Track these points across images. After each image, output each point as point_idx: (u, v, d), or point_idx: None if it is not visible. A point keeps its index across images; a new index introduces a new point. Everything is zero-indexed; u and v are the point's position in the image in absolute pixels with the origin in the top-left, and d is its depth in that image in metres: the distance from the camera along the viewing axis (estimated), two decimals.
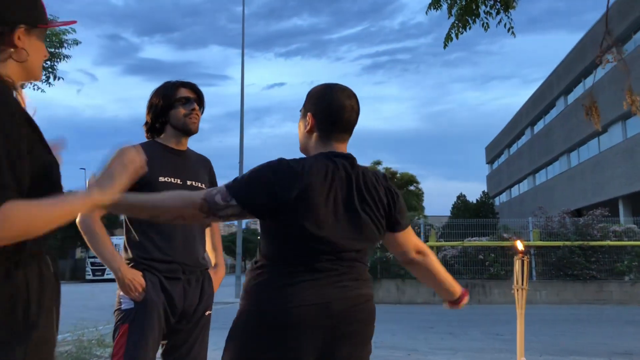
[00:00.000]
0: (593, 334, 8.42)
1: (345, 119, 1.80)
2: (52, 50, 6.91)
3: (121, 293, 2.32)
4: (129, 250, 2.41)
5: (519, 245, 3.52)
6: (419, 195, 45.20)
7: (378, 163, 44.28)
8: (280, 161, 1.71)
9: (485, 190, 33.69)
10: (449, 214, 31.66)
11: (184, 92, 2.52)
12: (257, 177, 1.69)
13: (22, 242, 1.29)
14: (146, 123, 2.57)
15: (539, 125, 33.48)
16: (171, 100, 2.49)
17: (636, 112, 5.26)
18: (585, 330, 8.95)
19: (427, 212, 37.60)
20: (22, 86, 1.52)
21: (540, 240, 15.00)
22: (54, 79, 6.94)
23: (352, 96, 1.83)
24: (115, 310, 2.36)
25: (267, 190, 1.65)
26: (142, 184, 2.40)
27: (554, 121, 30.34)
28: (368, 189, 1.77)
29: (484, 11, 5.30)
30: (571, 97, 28.10)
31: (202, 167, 2.64)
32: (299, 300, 1.64)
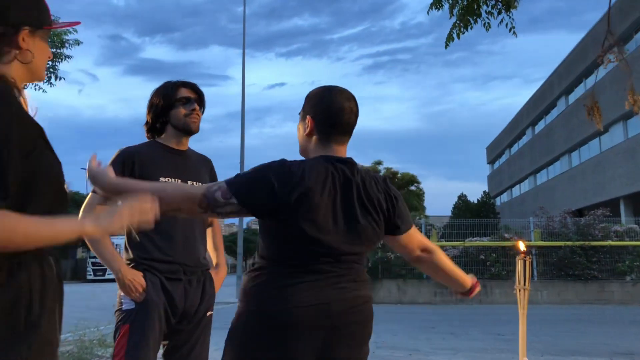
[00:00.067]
0: (594, 334, 8.41)
1: (344, 122, 1.80)
2: (54, 50, 6.92)
3: (122, 293, 2.32)
4: (129, 251, 2.41)
5: (521, 245, 3.52)
6: (419, 195, 45.18)
7: (379, 163, 44.26)
8: (282, 162, 1.72)
9: (486, 190, 33.68)
10: (449, 214, 31.68)
11: (184, 92, 2.51)
12: (258, 176, 1.68)
13: None
14: (147, 123, 2.56)
15: (540, 125, 33.45)
16: (172, 100, 2.49)
17: (638, 112, 5.25)
18: (586, 330, 8.94)
19: (428, 212, 37.59)
20: (24, 87, 1.53)
21: (542, 240, 14.99)
22: (56, 79, 6.94)
23: (351, 98, 1.83)
24: (116, 311, 2.36)
25: (268, 190, 1.65)
26: None
27: (555, 121, 30.31)
28: (367, 194, 1.77)
29: (485, 11, 5.30)
30: (572, 97, 28.08)
31: (203, 167, 2.64)
32: (298, 301, 1.65)
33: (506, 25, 5.40)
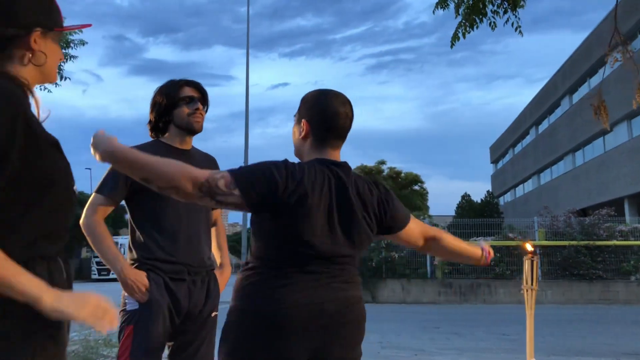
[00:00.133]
0: (600, 334, 8.38)
1: (340, 126, 1.82)
2: None
3: (126, 294, 2.32)
4: (133, 251, 2.40)
5: (529, 246, 3.50)
6: (423, 194, 45.08)
7: (382, 162, 44.16)
8: (286, 162, 1.73)
9: (490, 190, 33.61)
10: (453, 213, 31.63)
11: (187, 91, 2.49)
12: (263, 172, 1.69)
13: (32, 244, 1.29)
14: (150, 122, 2.55)
15: (544, 125, 33.37)
16: (175, 99, 2.47)
17: None
18: (592, 330, 8.91)
19: (431, 212, 37.49)
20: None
21: (546, 239, 14.95)
22: (61, 79, 6.94)
23: (346, 102, 1.85)
24: (120, 311, 2.35)
25: (272, 187, 1.66)
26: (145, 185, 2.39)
27: (558, 120, 30.24)
28: (362, 198, 1.79)
29: (491, 10, 5.29)
30: (576, 97, 28.01)
31: (207, 166, 2.63)
32: (292, 301, 1.66)
33: (512, 24, 5.40)
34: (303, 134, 1.83)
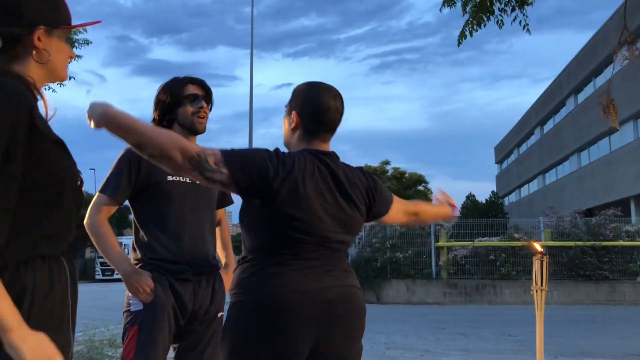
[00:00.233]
0: (608, 335, 8.32)
1: (329, 120, 1.83)
2: None
3: (130, 294, 2.29)
4: (137, 251, 2.37)
5: (538, 246, 3.46)
6: (427, 195, 45.07)
7: (386, 163, 44.17)
8: (277, 150, 1.76)
9: (495, 190, 33.52)
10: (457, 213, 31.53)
11: (192, 89, 2.46)
12: (254, 156, 1.71)
13: (33, 244, 1.27)
14: (153, 120, 2.51)
15: (549, 125, 33.27)
16: (179, 97, 2.43)
17: None
18: (599, 331, 8.84)
19: None
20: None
21: (552, 240, 14.88)
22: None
23: (337, 96, 1.87)
24: (124, 312, 2.31)
25: (261, 172, 1.68)
26: (150, 184, 2.36)
27: (564, 120, 30.14)
28: (351, 185, 1.82)
29: (498, 8, 5.25)
30: (581, 96, 27.90)
31: None
32: (292, 289, 1.66)
33: (520, 22, 5.36)
34: (293, 125, 1.85)
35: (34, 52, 1.40)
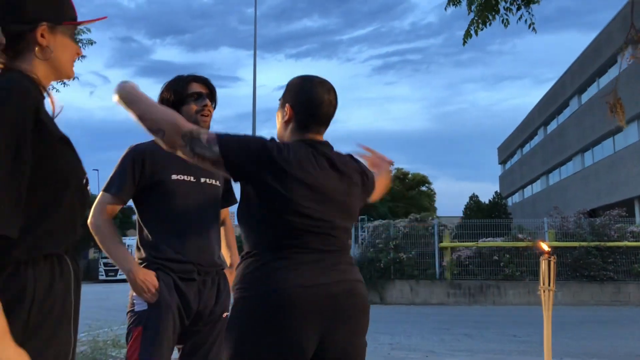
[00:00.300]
0: (613, 336, 8.27)
1: (323, 113, 1.83)
2: None
3: (134, 294, 2.26)
4: (141, 250, 2.35)
5: (545, 246, 3.43)
6: (430, 195, 45.08)
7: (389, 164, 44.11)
8: (272, 139, 1.78)
9: (498, 191, 33.45)
10: (461, 214, 31.49)
11: (195, 87, 2.44)
12: (248, 141, 1.73)
13: (34, 242, 1.26)
14: None
15: (552, 125, 33.19)
16: (182, 95, 2.41)
17: None
18: (605, 332, 8.80)
19: (439, 213, 37.45)
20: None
21: (556, 240, 14.82)
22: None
23: (330, 90, 1.87)
24: (128, 312, 2.29)
25: (255, 156, 1.69)
26: (154, 183, 2.34)
27: (567, 121, 30.07)
28: (348, 170, 1.84)
29: (504, 7, 5.22)
30: (585, 97, 27.82)
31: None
32: (299, 282, 1.65)
33: (525, 21, 5.33)
34: (286, 118, 1.85)
35: (37, 49, 1.38)
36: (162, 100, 2.45)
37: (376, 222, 16.55)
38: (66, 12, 1.46)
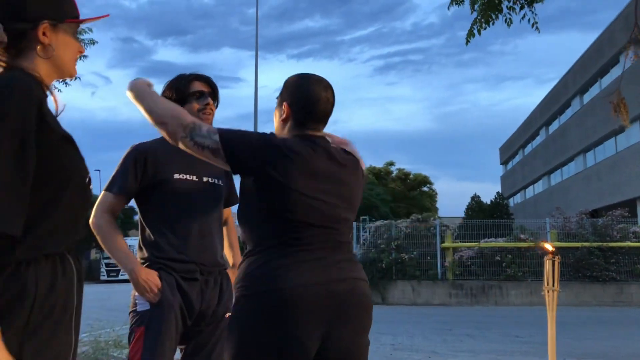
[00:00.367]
0: (616, 337, 8.25)
1: (320, 110, 1.83)
2: None
3: (136, 294, 2.24)
4: (144, 250, 2.33)
5: (549, 246, 3.41)
6: (432, 196, 45.04)
7: (391, 164, 44.20)
8: (272, 134, 1.80)
9: (500, 191, 33.41)
10: (462, 215, 31.46)
11: (198, 86, 2.42)
12: (249, 134, 1.75)
13: (36, 241, 1.25)
14: None
15: (554, 126, 33.15)
16: (184, 94, 2.39)
17: None
18: (607, 333, 8.78)
19: (440, 213, 37.41)
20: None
21: (558, 241, 14.79)
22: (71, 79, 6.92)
23: (328, 87, 1.87)
24: (130, 312, 2.27)
25: (256, 149, 1.70)
26: (157, 182, 2.33)
27: (569, 121, 30.03)
28: (346, 163, 1.85)
29: (507, 6, 5.20)
30: (587, 97, 27.79)
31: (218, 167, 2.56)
32: (301, 280, 1.64)
33: (528, 20, 5.31)
34: (284, 116, 1.85)
35: (39, 47, 1.38)
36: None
37: (378, 223, 16.52)
38: (68, 10, 1.45)
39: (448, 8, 5.41)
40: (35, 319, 1.21)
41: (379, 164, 44.09)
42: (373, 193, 34.44)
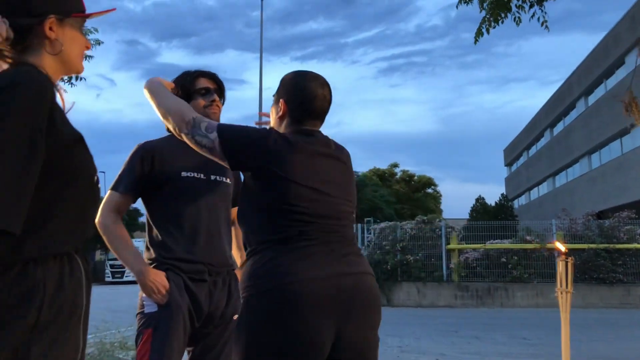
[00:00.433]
0: (625, 339, 8.18)
1: (317, 108, 1.83)
2: None
3: (143, 295, 2.20)
4: (151, 250, 2.29)
5: (562, 247, 3.36)
6: (436, 197, 44.98)
7: (395, 165, 44.18)
8: (271, 129, 1.79)
9: (504, 193, 33.32)
10: (466, 216, 31.40)
11: (203, 83, 2.39)
12: (247, 130, 1.75)
13: (44, 240, 1.23)
14: None
15: (559, 127, 33.07)
16: (190, 91, 2.36)
17: None
18: (615, 335, 8.71)
19: (445, 215, 37.34)
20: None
21: (564, 242, 14.70)
22: (76, 79, 6.89)
23: (324, 84, 1.86)
24: (138, 314, 2.23)
25: (255, 145, 1.70)
26: (164, 180, 2.29)
27: (574, 123, 29.94)
28: (342, 157, 1.85)
29: (516, 5, 5.15)
30: (592, 99, 27.70)
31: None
32: (310, 275, 1.61)
33: (538, 19, 5.26)
34: (280, 113, 1.84)
35: (47, 42, 1.35)
36: None
37: (383, 224, 16.47)
38: (74, 4, 1.42)
39: (457, 7, 5.37)
40: (44, 319, 1.19)
41: (383, 166, 44.10)
42: (377, 195, 34.41)
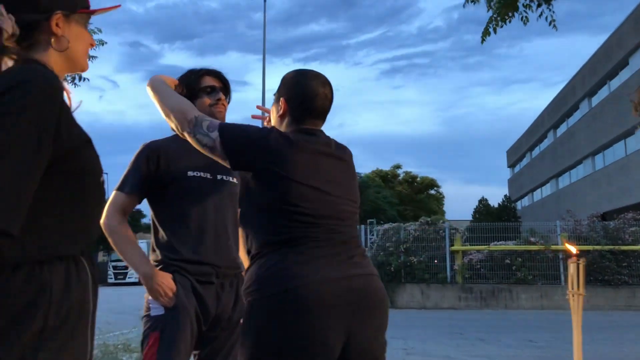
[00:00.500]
0: (628, 341, 8.12)
1: (318, 106, 1.81)
2: None
3: (150, 298, 2.15)
4: (157, 251, 2.25)
5: (573, 248, 3.31)
6: (439, 199, 44.93)
7: (398, 167, 44.15)
8: (272, 128, 1.77)
9: (507, 194, 33.24)
10: (469, 218, 31.33)
11: (208, 81, 2.35)
12: (248, 129, 1.73)
13: (51, 243, 1.20)
14: None
15: (562, 128, 33.00)
16: (195, 89, 2.32)
17: None
18: (623, 337, 8.64)
19: (448, 216, 37.24)
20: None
21: (569, 244, 14.63)
22: (79, 79, 6.87)
23: (326, 83, 1.84)
24: (144, 317, 2.19)
25: (255, 144, 1.68)
26: (170, 180, 2.25)
27: (577, 124, 29.88)
28: (344, 156, 1.84)
29: (523, 4, 5.11)
30: (595, 100, 27.63)
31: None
32: (318, 277, 1.58)
33: (546, 18, 5.22)
34: (281, 112, 1.83)
35: (53, 39, 1.32)
36: None
37: (386, 226, 16.43)
38: (79, 0, 1.39)
39: (463, 6, 5.34)
40: (52, 322, 1.16)
41: (386, 167, 44.07)
42: (380, 196, 34.37)
